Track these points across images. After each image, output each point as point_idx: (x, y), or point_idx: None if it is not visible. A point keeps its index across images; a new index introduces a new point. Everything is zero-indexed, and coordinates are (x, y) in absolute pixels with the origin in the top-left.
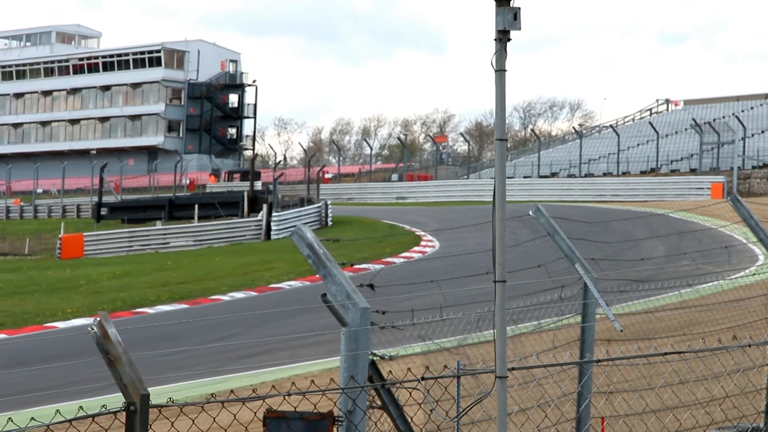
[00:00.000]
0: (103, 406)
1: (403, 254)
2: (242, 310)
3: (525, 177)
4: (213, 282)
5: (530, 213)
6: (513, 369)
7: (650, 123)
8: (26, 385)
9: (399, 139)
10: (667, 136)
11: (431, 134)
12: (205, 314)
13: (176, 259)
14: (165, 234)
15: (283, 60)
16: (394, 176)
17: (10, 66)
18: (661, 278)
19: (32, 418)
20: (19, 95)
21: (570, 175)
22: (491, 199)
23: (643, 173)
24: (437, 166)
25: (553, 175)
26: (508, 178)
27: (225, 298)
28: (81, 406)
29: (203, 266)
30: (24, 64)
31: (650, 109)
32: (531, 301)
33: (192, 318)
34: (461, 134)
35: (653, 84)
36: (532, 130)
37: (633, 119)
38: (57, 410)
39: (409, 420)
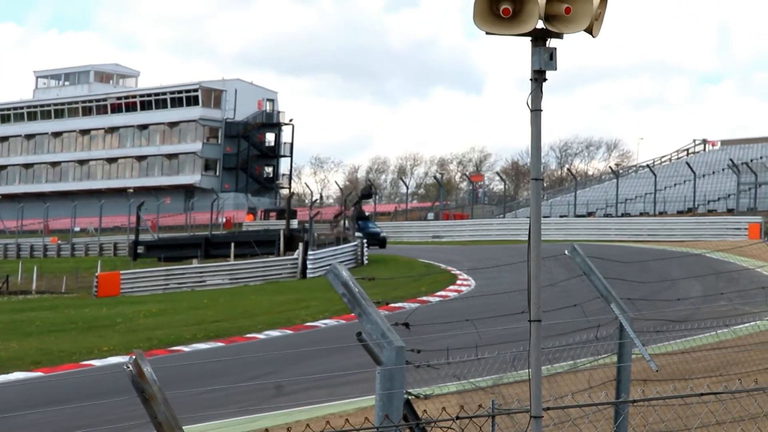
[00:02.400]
0: None
1: (439, 293)
2: (278, 348)
3: (561, 216)
4: (248, 320)
5: (566, 252)
6: (548, 409)
7: (687, 163)
8: (63, 423)
9: (435, 177)
10: (704, 176)
11: (467, 173)
12: (241, 353)
13: (212, 297)
14: (201, 272)
15: (320, 99)
16: (430, 215)
17: (49, 105)
18: (698, 318)
19: None
20: (57, 134)
21: (606, 215)
22: (527, 238)
23: (680, 213)
24: (473, 205)
25: (590, 214)
26: (545, 217)
27: (260, 336)
28: None
29: (239, 304)
30: (62, 103)
31: (687, 150)
32: (567, 341)
33: (227, 356)
34: (497, 173)
35: (690, 124)
36: (569, 169)
37: (670, 159)
38: None
39: None
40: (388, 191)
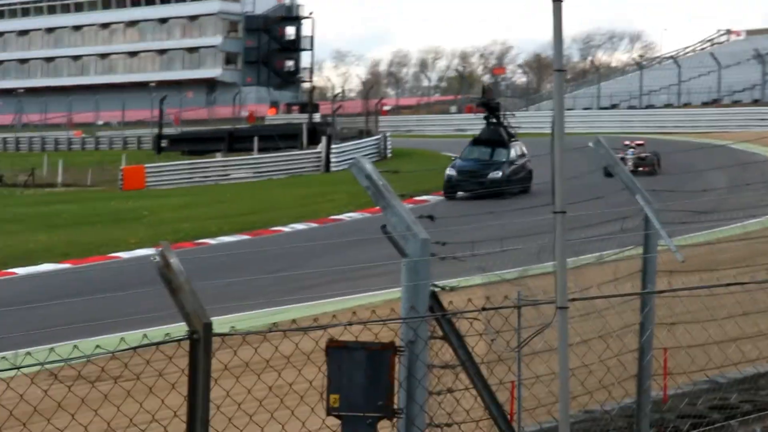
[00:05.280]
0: (167, 334)
1: None
2: (303, 241)
3: (585, 109)
4: (273, 213)
5: (590, 144)
6: (574, 300)
7: (711, 54)
8: (91, 314)
9: (457, 71)
10: (728, 66)
11: (489, 66)
12: (266, 245)
13: (236, 191)
14: (225, 166)
15: None
16: (453, 108)
17: None
18: (724, 209)
19: (97, 346)
20: (77, 28)
21: (630, 107)
22: (550, 131)
23: (704, 104)
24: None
25: (613, 106)
26: (568, 110)
27: (286, 229)
28: (145, 335)
29: (263, 198)
30: None
31: (711, 40)
32: (591, 233)
33: (253, 249)
34: (519, 66)
35: (714, 14)
36: (592, 61)
37: (694, 50)
38: (122, 338)
39: (470, 350)
40: (410, 85)
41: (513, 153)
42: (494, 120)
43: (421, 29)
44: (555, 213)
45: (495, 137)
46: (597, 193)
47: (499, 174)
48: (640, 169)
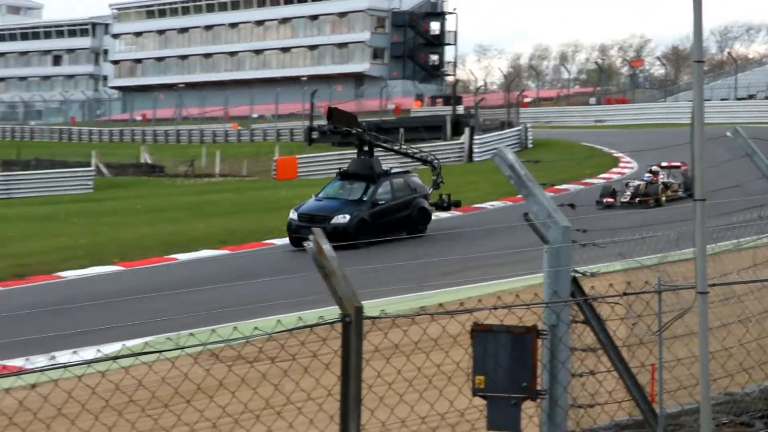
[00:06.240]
0: (320, 317)
1: (602, 175)
2: (447, 228)
3: (722, 99)
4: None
5: (728, 134)
6: (714, 285)
7: None
8: (248, 298)
9: (596, 63)
10: None
11: (628, 58)
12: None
13: None
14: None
15: None
16: (592, 100)
17: None
18: None
19: (255, 328)
20: (234, 25)
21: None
22: (688, 122)
23: None
24: (634, 89)
25: (750, 97)
26: (705, 101)
27: (433, 217)
28: (300, 317)
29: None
30: None
31: None
32: (730, 220)
33: (400, 237)
34: (657, 58)
35: None
36: (729, 53)
37: None
38: (278, 320)
39: (611, 334)
40: (550, 77)
41: (383, 190)
42: (366, 149)
43: (561, 24)
44: (695, 201)
45: (362, 171)
46: (735, 182)
47: (345, 219)
48: (637, 200)
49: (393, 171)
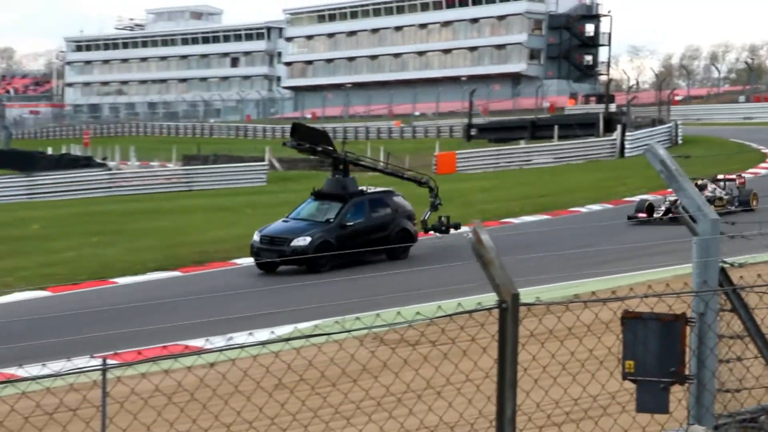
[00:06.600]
0: (478, 303)
1: (751, 170)
2: (598, 221)
3: None
4: (571, 195)
5: None
6: None
7: None
8: (406, 285)
9: (746, 62)
10: None
11: None
12: (564, 225)
13: (538, 175)
14: (527, 152)
15: None
16: (741, 98)
17: (391, 2)
18: None
19: (417, 313)
20: (398, 29)
21: None
22: None
23: None
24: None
25: None
26: None
27: (582, 210)
28: (459, 303)
29: (562, 181)
30: (403, 0)
31: None
32: None
33: (552, 228)
34: None
35: None
36: None
37: None
38: (439, 306)
39: (759, 322)
40: (701, 77)
41: (355, 210)
42: (341, 166)
43: (712, 25)
44: None
45: (334, 191)
46: None
47: (305, 242)
48: (669, 216)
49: (372, 191)
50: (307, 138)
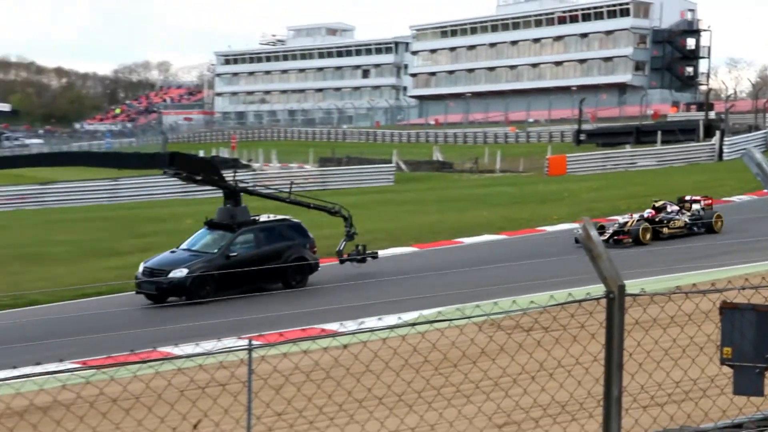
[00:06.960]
0: (587, 293)
1: None
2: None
3: None
4: (674, 195)
5: None
6: None
7: None
8: (520, 276)
9: None
10: None
11: None
12: None
13: (642, 176)
14: (633, 156)
15: (737, 7)
16: None
17: (507, 19)
18: None
19: (531, 302)
20: (514, 43)
21: None
22: None
23: None
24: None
25: None
26: None
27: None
28: (570, 293)
29: (665, 182)
30: (518, 17)
31: None
32: None
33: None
34: None
35: None
36: None
37: None
38: (551, 295)
39: None
40: None
41: (242, 240)
42: (231, 195)
43: None
44: None
45: (223, 220)
46: None
47: (182, 273)
48: (613, 239)
49: (264, 219)
50: (185, 167)
